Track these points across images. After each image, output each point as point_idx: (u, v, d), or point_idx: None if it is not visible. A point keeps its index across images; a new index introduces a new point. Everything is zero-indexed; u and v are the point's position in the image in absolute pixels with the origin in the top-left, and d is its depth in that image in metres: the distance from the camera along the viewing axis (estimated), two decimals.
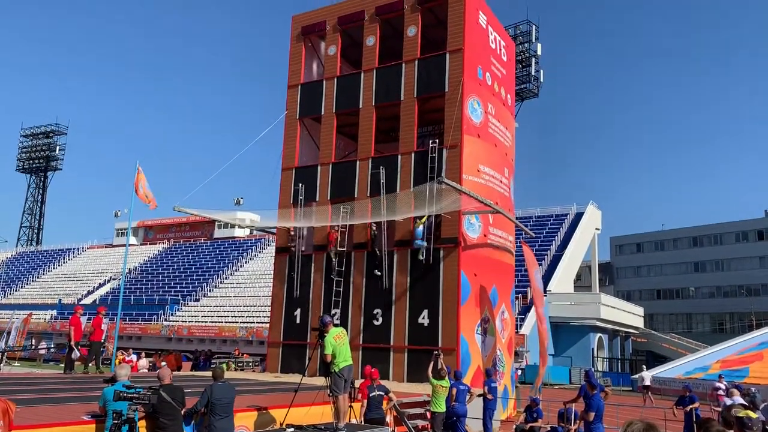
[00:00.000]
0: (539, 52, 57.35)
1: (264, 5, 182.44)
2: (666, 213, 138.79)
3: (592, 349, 41.79)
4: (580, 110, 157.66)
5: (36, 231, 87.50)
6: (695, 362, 34.52)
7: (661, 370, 34.66)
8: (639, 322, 50.59)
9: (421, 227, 17.21)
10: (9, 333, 37.10)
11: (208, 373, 11.58)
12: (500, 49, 20.45)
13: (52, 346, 42.39)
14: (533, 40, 56.94)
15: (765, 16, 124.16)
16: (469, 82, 17.74)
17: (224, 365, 25.06)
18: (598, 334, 43.06)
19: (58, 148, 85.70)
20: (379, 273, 17.77)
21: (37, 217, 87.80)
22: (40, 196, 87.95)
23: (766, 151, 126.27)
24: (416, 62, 18.52)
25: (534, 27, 56.81)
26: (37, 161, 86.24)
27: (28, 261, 74.30)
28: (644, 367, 33.38)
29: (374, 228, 18.19)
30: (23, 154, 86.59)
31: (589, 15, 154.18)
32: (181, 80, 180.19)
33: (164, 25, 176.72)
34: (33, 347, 40.37)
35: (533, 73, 57.30)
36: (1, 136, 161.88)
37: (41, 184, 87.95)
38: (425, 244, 17.09)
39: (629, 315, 48.09)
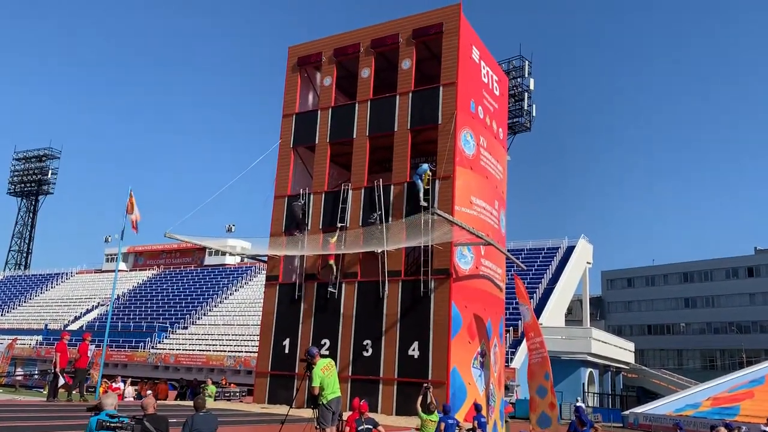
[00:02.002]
0: (532, 87, 58.10)
1: (258, 33, 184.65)
2: (656, 248, 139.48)
3: (583, 384, 41.50)
4: (571, 145, 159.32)
5: (25, 255, 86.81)
6: (686, 399, 34.30)
7: (652, 407, 34.40)
8: (630, 358, 50.36)
9: (425, 164, 17.27)
10: None
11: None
12: (492, 84, 20.72)
13: (36, 372, 41.69)
14: (526, 75, 57.69)
15: (761, 51, 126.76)
16: (462, 114, 17.92)
17: (210, 388, 24.57)
18: (589, 369, 42.81)
19: (50, 172, 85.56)
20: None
21: (27, 241, 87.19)
22: (30, 220, 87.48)
23: (756, 188, 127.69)
24: (410, 94, 18.71)
25: (527, 62, 57.61)
26: (28, 185, 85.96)
27: (15, 285, 73.48)
28: (578, 399, 33.22)
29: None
30: (15, 178, 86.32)
31: (581, 49, 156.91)
32: (174, 106, 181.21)
33: (158, 51, 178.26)
34: (15, 374, 39.72)
35: (526, 108, 57.94)
36: None
37: (32, 207, 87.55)
38: (422, 183, 17.04)
39: (620, 350, 47.90)
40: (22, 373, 40.73)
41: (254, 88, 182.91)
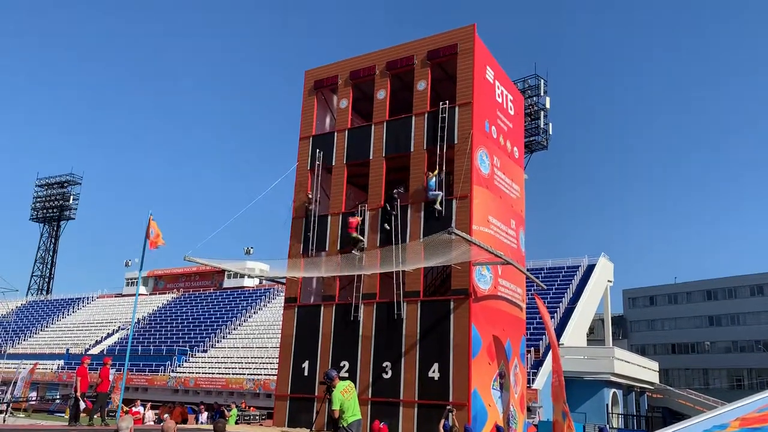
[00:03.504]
0: (548, 105, 58.06)
1: (275, 56, 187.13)
2: (678, 266, 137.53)
3: (607, 405, 40.75)
4: (589, 162, 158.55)
5: (47, 280, 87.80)
6: (713, 420, 33.46)
7: (679, 428, 33.66)
8: (654, 377, 49.43)
9: (434, 179, 17.53)
10: (15, 383, 36.82)
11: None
12: (507, 103, 20.76)
13: (58, 396, 41.94)
14: (542, 94, 57.73)
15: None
16: (477, 134, 17.95)
17: (232, 411, 24.56)
18: (613, 390, 42.05)
19: (71, 197, 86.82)
20: (389, 227, 18.09)
21: (49, 266, 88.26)
22: (52, 246, 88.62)
23: None
24: (426, 115, 18.79)
25: (542, 81, 57.69)
26: (50, 211, 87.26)
27: (37, 310, 74.32)
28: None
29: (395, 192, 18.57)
30: (37, 204, 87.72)
31: (597, 66, 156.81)
32: (191, 130, 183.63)
33: (174, 76, 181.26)
34: (33, 398, 39.99)
35: (542, 126, 57.87)
36: (18, 186, 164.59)
37: (54, 233, 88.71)
38: (441, 193, 17.45)
39: (644, 370, 47.03)
40: (36, 398, 40.98)
41: (270, 112, 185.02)
